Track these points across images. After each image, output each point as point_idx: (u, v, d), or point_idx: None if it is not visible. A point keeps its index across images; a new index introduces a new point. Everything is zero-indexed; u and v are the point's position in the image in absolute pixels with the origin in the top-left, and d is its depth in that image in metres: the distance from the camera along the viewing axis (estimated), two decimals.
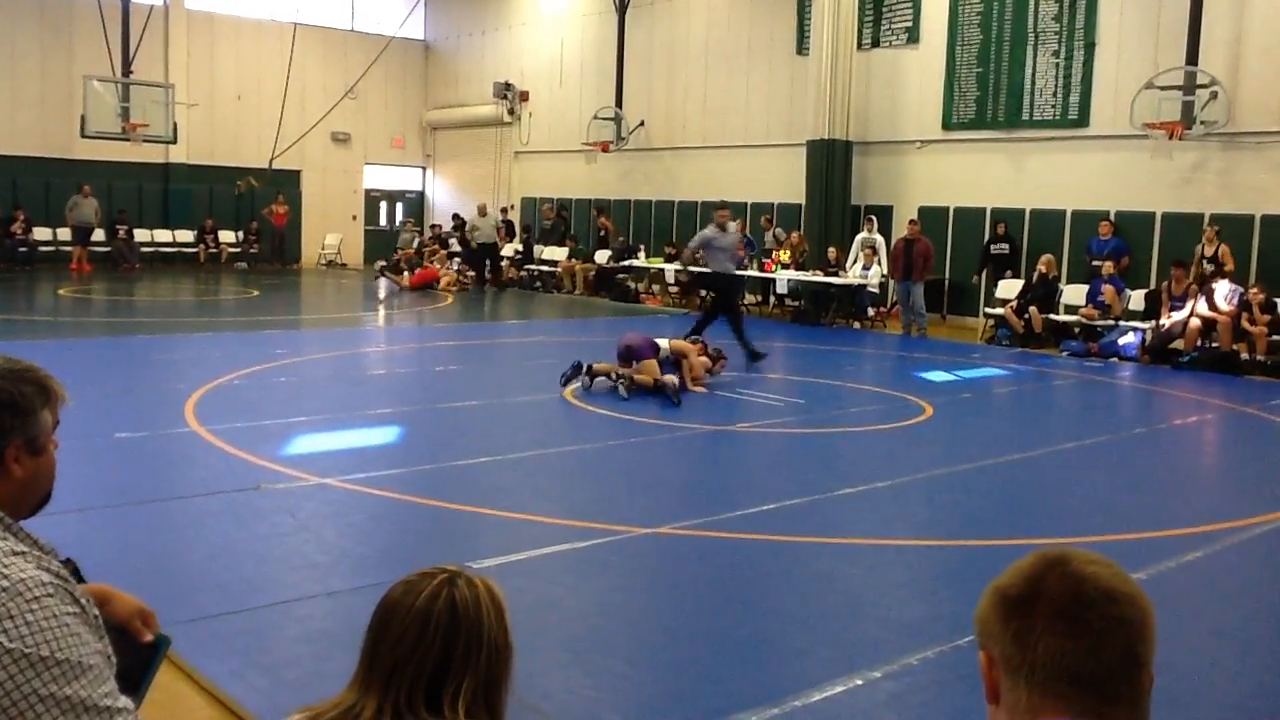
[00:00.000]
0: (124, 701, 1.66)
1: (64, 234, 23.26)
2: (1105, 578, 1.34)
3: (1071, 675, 1.31)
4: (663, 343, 10.78)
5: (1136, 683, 1.33)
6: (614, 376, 10.46)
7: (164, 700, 3.82)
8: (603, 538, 6.02)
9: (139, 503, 6.45)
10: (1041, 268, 16.18)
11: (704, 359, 11.06)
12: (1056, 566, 1.36)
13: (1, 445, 1.77)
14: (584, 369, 10.55)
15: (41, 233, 23.16)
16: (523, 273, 23.61)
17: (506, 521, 6.36)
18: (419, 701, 1.61)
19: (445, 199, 29.43)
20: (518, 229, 25.44)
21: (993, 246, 17.47)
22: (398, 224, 28.67)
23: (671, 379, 10.34)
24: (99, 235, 23.45)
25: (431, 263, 23.22)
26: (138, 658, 1.97)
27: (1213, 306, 14.15)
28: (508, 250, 24.32)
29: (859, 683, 4.26)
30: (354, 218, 28.75)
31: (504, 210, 25.82)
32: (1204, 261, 14.92)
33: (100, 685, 1.63)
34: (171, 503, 6.52)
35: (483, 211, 23.44)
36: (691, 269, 15.73)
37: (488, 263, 23.27)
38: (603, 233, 23.13)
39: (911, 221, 17.42)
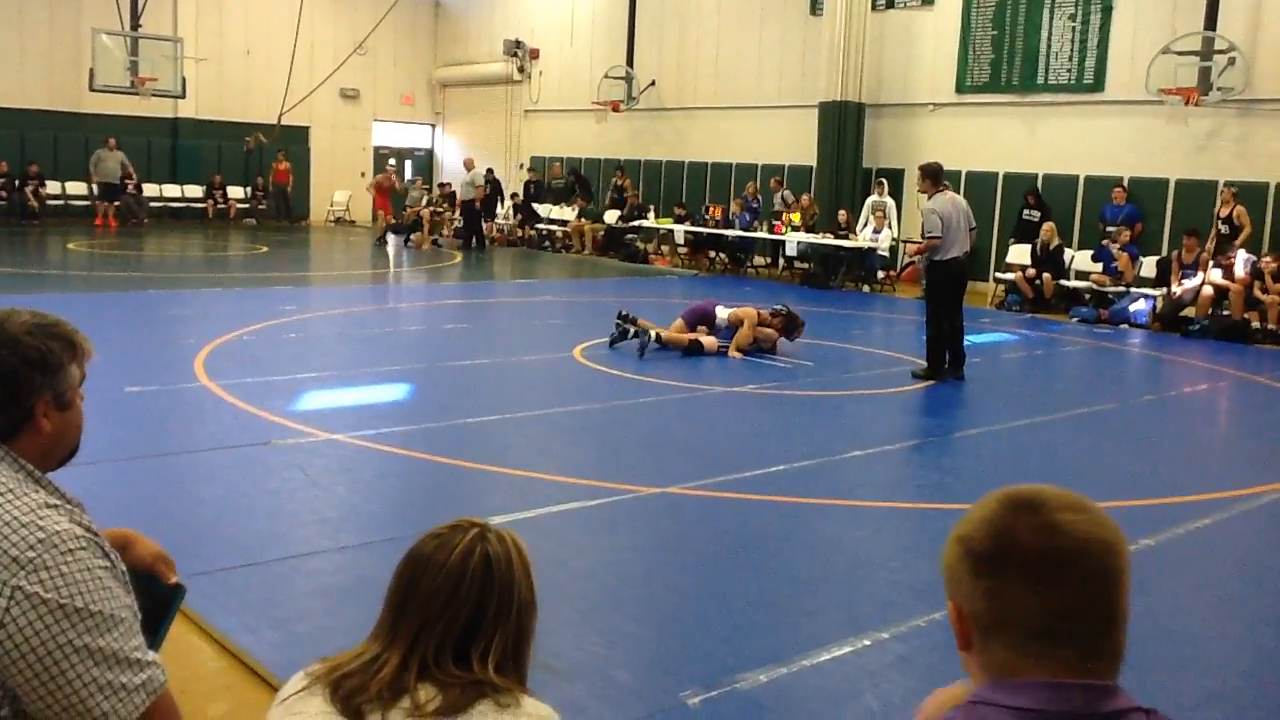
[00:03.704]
0: (152, 655, 1.68)
1: (72, 188, 23.16)
2: (1080, 526, 1.26)
3: (1049, 633, 1.25)
4: (723, 311, 11.01)
5: (1116, 636, 1.27)
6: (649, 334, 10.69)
7: (176, 652, 3.84)
8: (611, 497, 6.04)
9: (150, 456, 6.48)
10: (1044, 235, 16.07)
11: (768, 330, 11.03)
12: (1025, 515, 1.27)
13: (31, 401, 1.78)
14: (633, 332, 10.78)
15: (50, 187, 23.06)
16: (530, 232, 23.51)
17: (515, 479, 6.37)
18: (447, 656, 1.59)
19: (454, 157, 29.26)
20: (506, 188, 25.01)
21: (1024, 213, 17.12)
22: (406, 181, 28.55)
23: (689, 339, 10.74)
24: None
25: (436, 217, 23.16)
26: (156, 602, 2.00)
27: (1227, 275, 14.06)
28: (500, 211, 24.13)
29: (867, 643, 4.29)
30: (362, 175, 28.63)
31: (490, 170, 25.18)
32: (1220, 223, 14.81)
33: (131, 639, 1.65)
34: (182, 457, 6.54)
35: (469, 166, 23.00)
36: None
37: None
38: (619, 193, 22.78)
39: None
